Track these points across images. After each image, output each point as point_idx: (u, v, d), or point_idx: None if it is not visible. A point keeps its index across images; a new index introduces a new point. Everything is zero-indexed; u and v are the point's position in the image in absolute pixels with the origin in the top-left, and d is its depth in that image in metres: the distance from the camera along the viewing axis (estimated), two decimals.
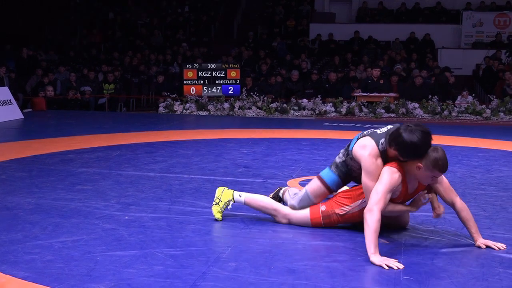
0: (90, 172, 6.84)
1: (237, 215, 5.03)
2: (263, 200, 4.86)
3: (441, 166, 4.04)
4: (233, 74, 15.91)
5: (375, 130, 4.46)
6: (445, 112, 14.42)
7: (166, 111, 15.32)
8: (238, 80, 15.88)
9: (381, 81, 15.64)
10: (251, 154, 8.37)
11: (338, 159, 4.69)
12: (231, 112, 14.91)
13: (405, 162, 4.19)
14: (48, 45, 21.00)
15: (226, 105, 15.03)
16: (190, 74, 15.86)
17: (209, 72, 15.85)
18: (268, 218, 4.91)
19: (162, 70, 18.61)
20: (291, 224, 4.70)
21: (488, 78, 17.09)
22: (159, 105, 15.62)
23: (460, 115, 14.39)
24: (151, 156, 8.07)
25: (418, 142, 4.05)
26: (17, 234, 4.40)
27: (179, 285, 3.49)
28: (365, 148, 4.35)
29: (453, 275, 3.73)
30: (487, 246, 4.24)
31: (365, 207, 4.19)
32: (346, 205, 4.53)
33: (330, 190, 4.70)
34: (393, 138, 4.16)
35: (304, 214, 4.66)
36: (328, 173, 4.71)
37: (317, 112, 14.71)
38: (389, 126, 4.40)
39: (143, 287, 3.45)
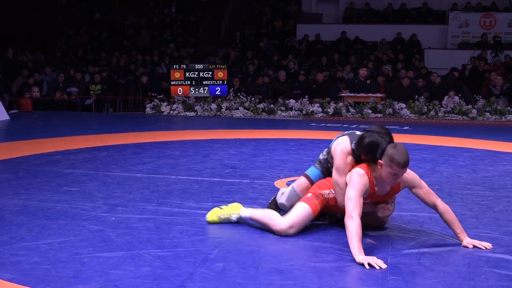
0: (77, 173, 6.81)
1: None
2: (265, 212, 4.72)
3: (398, 160, 4.07)
4: (220, 74, 15.89)
5: (354, 131, 4.70)
6: (431, 113, 14.49)
7: (153, 112, 15.29)
8: (225, 81, 15.86)
9: (368, 81, 15.69)
10: (239, 155, 8.37)
11: (321, 156, 4.90)
12: (218, 113, 14.90)
13: (373, 164, 4.31)
14: (34, 45, 20.89)
15: (213, 105, 15.02)
16: (177, 74, 15.82)
17: (196, 72, 15.81)
18: None
19: (149, 70, 18.57)
20: (292, 225, 4.50)
21: (474, 79, 17.16)
22: (146, 106, 15.59)
23: (446, 115, 14.46)
24: (138, 157, 8.06)
25: (375, 142, 4.24)
26: (3, 236, 4.38)
27: (167, 286, 3.48)
28: (339, 145, 4.58)
29: (440, 274, 3.75)
30: (474, 246, 4.26)
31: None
32: (329, 188, 4.62)
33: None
34: (358, 143, 4.41)
35: (302, 206, 4.56)
36: (312, 170, 4.89)
37: (304, 112, 14.74)
38: None
39: None
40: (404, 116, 14.45)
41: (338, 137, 4.71)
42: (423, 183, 4.42)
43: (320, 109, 14.77)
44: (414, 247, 4.30)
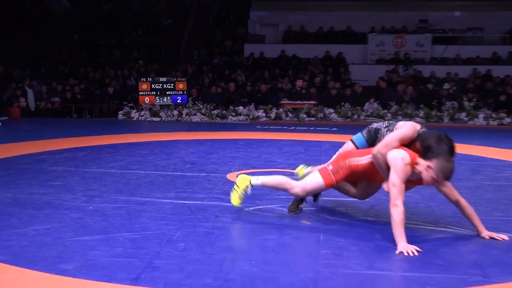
0: (59, 170, 6.70)
1: (185, 203, 5.02)
2: (278, 179, 4.54)
3: (446, 174, 3.84)
4: (180, 86, 15.82)
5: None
6: (355, 116, 14.70)
7: (124, 117, 15.15)
8: (185, 91, 15.80)
9: (303, 91, 15.84)
10: (197, 153, 8.35)
11: (375, 125, 4.62)
12: (179, 118, 14.85)
13: (420, 158, 4.02)
14: (22, 62, 20.36)
15: (175, 112, 14.98)
16: (144, 86, 15.71)
17: (161, 84, 15.71)
18: (211, 206, 4.92)
19: (120, 83, 18.35)
20: (307, 192, 4.42)
21: (389, 88, 17.46)
22: (118, 112, 15.43)
23: (367, 118, 14.70)
24: (112, 155, 7.97)
25: (435, 150, 3.97)
26: None
27: (137, 263, 3.46)
28: (412, 122, 4.32)
29: (363, 248, 3.82)
30: (491, 237, 4.06)
31: (370, 162, 4.20)
32: (356, 157, 4.33)
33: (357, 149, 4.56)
34: (429, 137, 4.09)
35: (317, 178, 4.36)
36: (358, 136, 4.64)
37: (251, 117, 14.79)
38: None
39: (106, 266, 3.41)
40: (332, 120, 14.64)
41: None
42: (449, 182, 4.07)
43: (264, 114, 14.85)
44: (342, 226, 4.37)
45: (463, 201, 4.13)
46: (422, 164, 3.95)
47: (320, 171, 4.40)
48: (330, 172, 4.34)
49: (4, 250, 3.69)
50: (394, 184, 3.92)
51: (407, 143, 4.20)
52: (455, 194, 4.12)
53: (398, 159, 3.98)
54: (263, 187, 4.61)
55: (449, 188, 4.11)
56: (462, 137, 10.32)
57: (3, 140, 10.08)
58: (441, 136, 4.05)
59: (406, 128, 4.24)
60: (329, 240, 4.01)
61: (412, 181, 4.12)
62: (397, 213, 3.82)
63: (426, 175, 3.91)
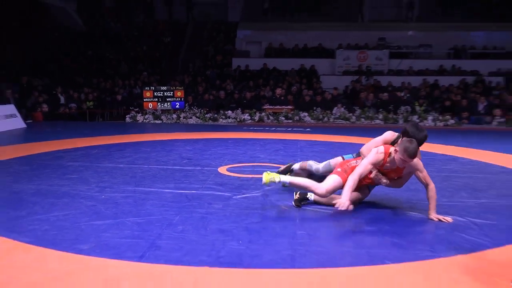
0: (75, 165, 6.65)
1: (183, 193, 5.01)
2: (305, 181, 4.45)
3: (409, 152, 3.99)
4: (179, 94, 15.74)
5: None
6: (325, 119, 14.74)
7: (131, 120, 15.05)
8: (182, 98, 15.74)
9: (282, 98, 15.85)
10: (192, 150, 8.33)
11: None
12: (177, 121, 14.79)
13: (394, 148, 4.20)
14: (42, 73, 20.12)
15: (174, 115, 14.93)
16: (148, 94, 15.60)
17: (162, 92, 15.62)
18: (205, 194, 4.92)
19: (128, 91, 18.22)
20: (329, 192, 4.34)
21: (353, 95, 17.54)
22: (126, 116, 15.34)
23: (335, 120, 14.76)
24: (121, 153, 7.92)
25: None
26: (22, 212, 4.25)
27: (142, 243, 3.45)
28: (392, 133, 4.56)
29: (333, 229, 3.83)
30: (438, 219, 4.10)
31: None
32: (353, 161, 4.54)
33: None
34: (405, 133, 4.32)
35: (335, 178, 4.38)
36: (348, 156, 4.86)
37: (238, 120, 14.78)
38: None
39: (116, 246, 3.40)
40: (306, 122, 14.67)
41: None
42: (424, 169, 4.22)
43: (249, 117, 14.84)
44: (315, 211, 4.39)
45: (431, 185, 4.22)
46: (392, 151, 4.21)
47: (335, 173, 4.48)
48: (342, 172, 4.46)
49: (29, 233, 3.67)
50: (361, 164, 4.25)
51: (390, 143, 4.47)
52: (427, 179, 4.22)
53: (374, 150, 4.32)
54: (289, 184, 4.47)
55: (424, 174, 4.23)
56: None
57: (28, 140, 9.98)
58: (418, 126, 4.34)
59: (386, 133, 4.56)
60: (304, 223, 4.03)
61: (393, 169, 4.30)
62: (351, 180, 4.16)
63: (396, 157, 4.15)
